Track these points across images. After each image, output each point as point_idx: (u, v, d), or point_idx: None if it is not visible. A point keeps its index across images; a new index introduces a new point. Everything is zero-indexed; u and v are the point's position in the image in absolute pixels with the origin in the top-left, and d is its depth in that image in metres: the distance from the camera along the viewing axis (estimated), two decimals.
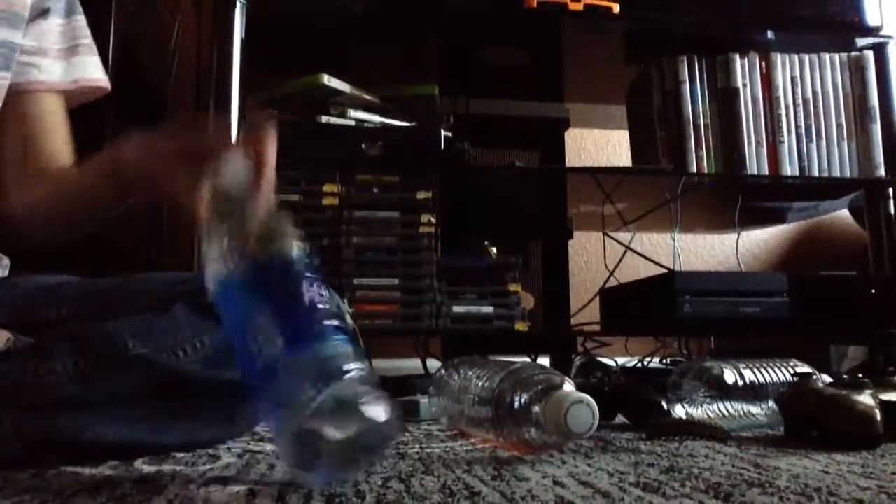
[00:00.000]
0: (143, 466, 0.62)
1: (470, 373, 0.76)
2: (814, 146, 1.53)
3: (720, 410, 0.86)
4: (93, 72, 0.92)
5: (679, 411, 0.88)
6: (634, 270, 1.68)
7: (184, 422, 0.69)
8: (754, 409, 0.87)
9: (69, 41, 0.90)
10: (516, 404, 0.64)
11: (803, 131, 1.53)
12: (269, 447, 0.73)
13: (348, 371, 0.51)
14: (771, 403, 0.86)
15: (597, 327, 1.63)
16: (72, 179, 0.84)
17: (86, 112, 0.94)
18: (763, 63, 1.54)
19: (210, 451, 0.70)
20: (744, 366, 0.89)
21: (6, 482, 0.55)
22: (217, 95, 1.37)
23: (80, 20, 0.92)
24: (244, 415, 0.75)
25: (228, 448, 0.72)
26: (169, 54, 1.57)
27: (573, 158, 1.99)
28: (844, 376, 0.88)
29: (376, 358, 1.53)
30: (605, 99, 1.77)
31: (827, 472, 0.58)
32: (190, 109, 1.49)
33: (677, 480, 0.55)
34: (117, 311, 0.71)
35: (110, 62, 1.33)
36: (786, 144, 1.52)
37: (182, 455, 0.67)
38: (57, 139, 0.88)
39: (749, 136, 1.51)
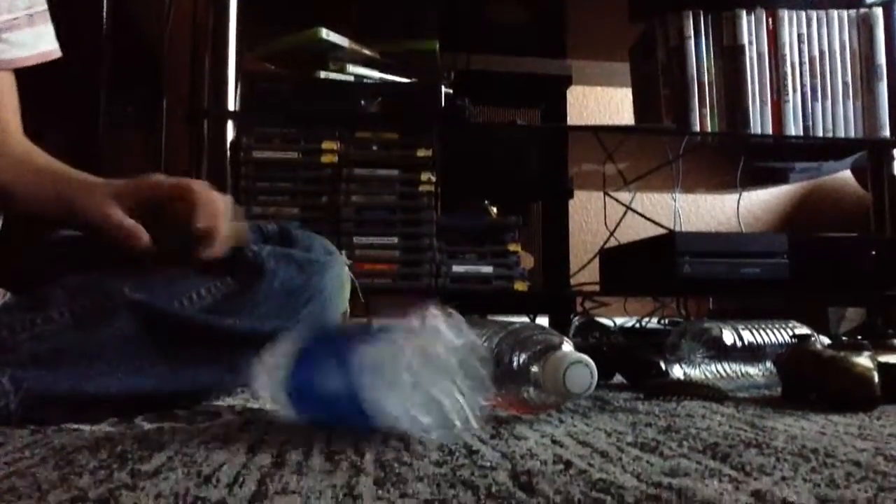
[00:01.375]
0: (144, 424, 0.62)
1: None
2: (819, 105, 1.51)
3: (718, 371, 0.87)
4: (53, 41, 0.86)
5: (677, 372, 0.88)
6: (635, 231, 1.67)
7: (185, 370, 0.69)
8: (752, 370, 0.87)
9: (29, 6, 0.84)
10: (515, 364, 0.64)
11: (808, 90, 1.51)
12: (268, 405, 0.73)
13: None
14: (769, 364, 0.86)
15: (596, 287, 1.63)
16: (31, 166, 0.79)
17: (79, 68, 0.92)
18: (770, 19, 1.51)
19: (210, 408, 0.70)
20: (742, 327, 0.89)
21: (6, 439, 0.55)
22: (213, 50, 1.35)
23: None
24: (245, 364, 0.74)
25: (228, 406, 0.72)
26: (164, 8, 1.54)
27: (575, 116, 1.97)
28: (843, 338, 0.88)
29: (375, 316, 1.53)
30: (608, 56, 1.74)
31: (824, 434, 0.58)
32: (185, 64, 1.46)
33: (675, 440, 0.55)
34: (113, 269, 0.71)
35: (104, 16, 1.30)
36: (790, 103, 1.50)
37: (182, 413, 0.68)
38: (9, 113, 0.83)
39: (753, 95, 1.49)
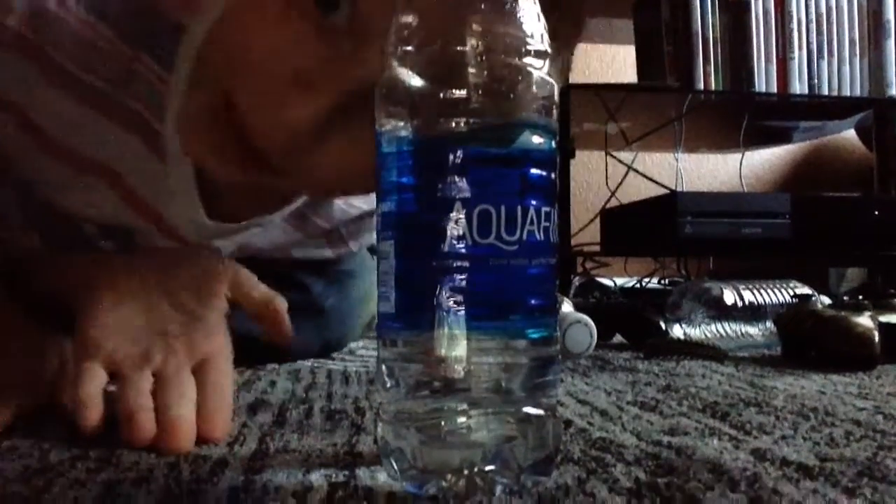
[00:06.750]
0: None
1: None
2: (825, 63, 1.49)
3: (718, 331, 0.87)
4: None
5: (677, 331, 0.88)
6: (636, 191, 1.66)
7: None
8: (752, 330, 0.87)
9: None
10: None
11: (815, 47, 1.48)
12: (269, 365, 0.73)
13: None
14: (769, 324, 0.86)
15: (597, 247, 1.63)
16: None
17: None
18: None
19: None
20: (743, 287, 0.88)
21: None
22: None
23: None
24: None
25: None
26: None
27: (577, 74, 1.94)
28: (844, 298, 0.88)
29: None
30: (611, 11, 1.71)
31: (824, 393, 0.58)
32: None
33: (674, 399, 0.55)
34: None
35: None
36: (796, 61, 1.47)
37: None
38: None
39: (759, 52, 1.46)
